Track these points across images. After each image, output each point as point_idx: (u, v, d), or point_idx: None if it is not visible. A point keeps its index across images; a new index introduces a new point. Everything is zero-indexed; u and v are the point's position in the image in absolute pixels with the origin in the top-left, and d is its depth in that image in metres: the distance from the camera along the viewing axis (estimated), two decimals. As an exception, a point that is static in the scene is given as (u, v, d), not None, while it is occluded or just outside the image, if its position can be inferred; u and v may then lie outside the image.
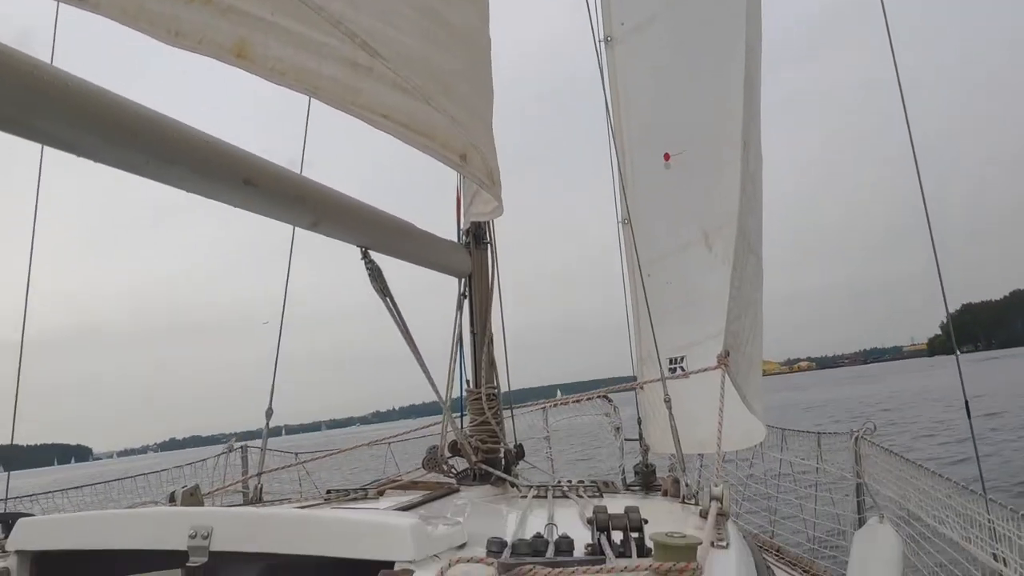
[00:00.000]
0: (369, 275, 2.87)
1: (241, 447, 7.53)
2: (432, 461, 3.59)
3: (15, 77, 1.53)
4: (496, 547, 1.86)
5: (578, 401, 6.44)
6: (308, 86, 2.22)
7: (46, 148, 2.02)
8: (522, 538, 1.87)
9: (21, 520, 2.25)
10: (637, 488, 3.63)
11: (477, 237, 3.89)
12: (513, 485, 3.47)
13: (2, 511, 3.29)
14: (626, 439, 6.20)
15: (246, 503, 4.85)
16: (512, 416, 4.24)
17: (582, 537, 1.97)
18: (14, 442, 3.18)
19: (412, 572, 1.77)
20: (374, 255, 2.89)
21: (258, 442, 5.04)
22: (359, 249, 2.85)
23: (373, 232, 2.83)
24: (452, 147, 2.49)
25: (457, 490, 3.42)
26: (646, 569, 1.72)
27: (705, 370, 3.55)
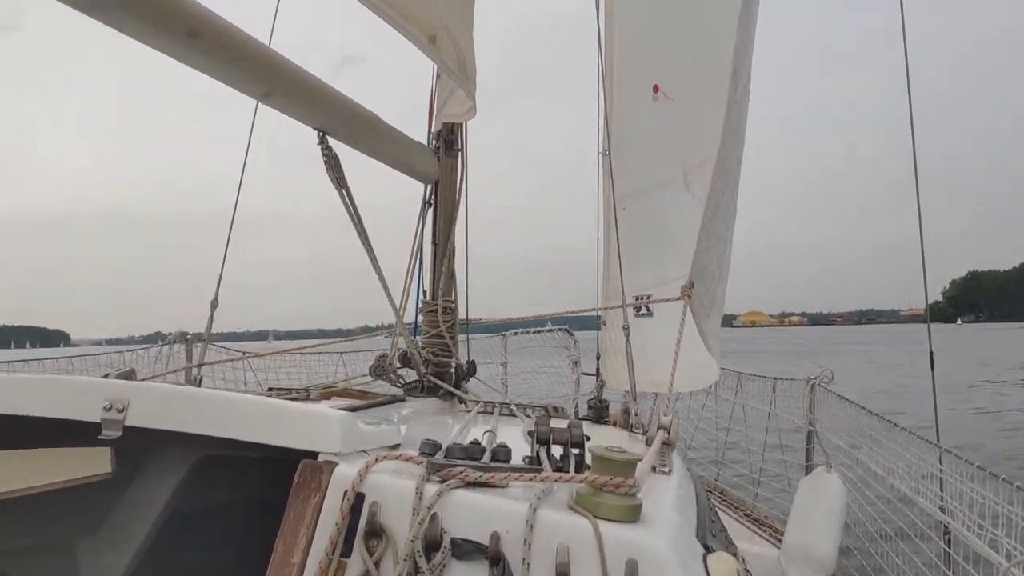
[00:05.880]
0: (325, 162, 2.72)
1: (187, 339, 7.37)
2: (380, 368, 3.49)
3: None
4: (429, 449, 1.80)
5: (539, 331, 6.37)
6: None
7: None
8: (458, 443, 1.80)
9: None
10: (588, 419, 3.58)
11: (448, 143, 3.71)
12: (461, 401, 3.39)
13: None
14: (583, 373, 6.16)
15: None
16: (468, 332, 4.14)
17: (522, 449, 1.91)
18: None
19: (336, 465, 1.70)
20: (335, 144, 2.74)
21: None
22: (316, 133, 2.70)
23: (332, 115, 2.66)
24: (420, 24, 2.29)
25: (403, 400, 3.35)
26: (581, 481, 1.65)
27: (668, 300, 3.46)
